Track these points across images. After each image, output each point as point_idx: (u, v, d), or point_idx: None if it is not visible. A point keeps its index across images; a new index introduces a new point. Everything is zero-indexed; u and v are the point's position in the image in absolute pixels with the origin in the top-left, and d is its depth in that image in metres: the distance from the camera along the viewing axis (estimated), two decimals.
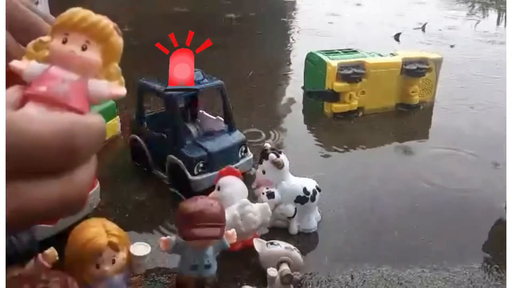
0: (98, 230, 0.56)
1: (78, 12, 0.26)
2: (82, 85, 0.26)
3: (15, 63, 0.26)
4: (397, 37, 2.11)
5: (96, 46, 0.26)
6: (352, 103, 1.28)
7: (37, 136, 0.22)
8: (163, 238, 0.64)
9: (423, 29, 2.29)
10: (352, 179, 0.99)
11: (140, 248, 0.59)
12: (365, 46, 1.45)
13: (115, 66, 0.27)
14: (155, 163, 0.95)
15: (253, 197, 0.79)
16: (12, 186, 0.22)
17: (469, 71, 1.70)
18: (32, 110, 0.24)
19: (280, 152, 0.80)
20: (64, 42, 0.26)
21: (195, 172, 0.87)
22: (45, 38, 0.27)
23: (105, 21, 0.27)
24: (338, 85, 1.25)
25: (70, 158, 0.23)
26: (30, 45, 0.27)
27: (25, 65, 0.26)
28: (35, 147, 0.22)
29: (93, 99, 0.27)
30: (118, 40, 0.27)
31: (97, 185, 0.79)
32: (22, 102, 0.25)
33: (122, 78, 0.28)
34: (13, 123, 0.22)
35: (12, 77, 0.26)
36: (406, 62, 1.32)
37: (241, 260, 0.73)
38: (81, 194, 0.25)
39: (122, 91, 0.27)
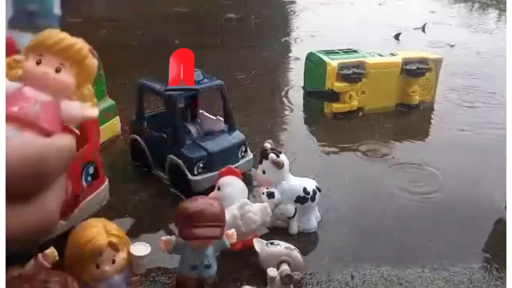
0: (98, 230, 0.56)
1: (53, 35, 0.26)
2: (54, 106, 0.26)
3: None
4: (397, 37, 2.11)
5: (70, 68, 0.26)
6: (352, 103, 1.28)
7: (7, 161, 0.22)
8: (163, 238, 0.64)
9: (423, 29, 2.29)
10: (352, 179, 0.99)
11: (140, 248, 0.59)
12: (365, 46, 1.45)
13: (89, 88, 0.28)
14: (155, 163, 0.95)
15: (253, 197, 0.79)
16: None
17: (469, 71, 1.70)
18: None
19: (280, 152, 0.80)
20: (38, 63, 0.26)
21: (195, 172, 0.87)
22: (19, 57, 0.27)
23: (80, 44, 0.27)
24: (338, 85, 1.25)
25: (42, 181, 0.23)
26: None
27: None
28: (6, 171, 0.22)
29: (66, 120, 0.27)
30: (93, 63, 0.28)
31: (106, 182, 0.78)
32: None
33: (95, 100, 0.28)
34: None
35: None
36: (406, 62, 1.32)
37: (241, 260, 0.73)
38: (53, 218, 0.25)
39: (94, 112, 0.28)
